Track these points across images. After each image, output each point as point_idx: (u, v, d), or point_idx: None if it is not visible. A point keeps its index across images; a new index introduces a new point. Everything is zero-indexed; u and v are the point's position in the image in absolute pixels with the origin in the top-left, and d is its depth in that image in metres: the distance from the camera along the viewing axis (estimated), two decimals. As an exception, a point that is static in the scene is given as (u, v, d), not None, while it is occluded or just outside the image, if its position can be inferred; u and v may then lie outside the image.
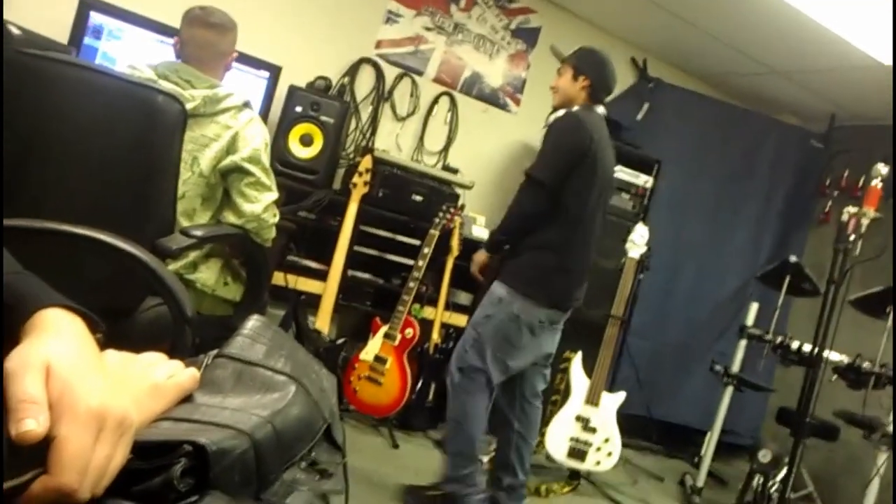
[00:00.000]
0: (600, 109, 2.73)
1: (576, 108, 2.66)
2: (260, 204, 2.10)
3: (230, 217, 2.12)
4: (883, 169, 2.75)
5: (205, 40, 2.12)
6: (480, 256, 2.84)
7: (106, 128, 1.66)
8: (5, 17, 2.57)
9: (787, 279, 3.64)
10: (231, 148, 2.06)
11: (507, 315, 2.59)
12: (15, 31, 2.45)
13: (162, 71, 2.03)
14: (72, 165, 1.66)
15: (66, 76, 1.63)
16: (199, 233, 1.84)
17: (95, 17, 3.08)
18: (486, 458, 3.44)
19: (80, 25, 3.06)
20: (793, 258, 3.65)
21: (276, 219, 2.19)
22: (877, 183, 2.76)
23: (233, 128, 2.06)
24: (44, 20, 3.00)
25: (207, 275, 2.11)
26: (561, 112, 2.67)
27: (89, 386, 0.52)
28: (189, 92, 2.00)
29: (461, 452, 2.68)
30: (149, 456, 0.54)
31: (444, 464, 2.74)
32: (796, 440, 2.78)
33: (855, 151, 4.59)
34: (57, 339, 0.55)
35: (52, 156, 1.65)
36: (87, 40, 3.08)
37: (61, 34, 3.04)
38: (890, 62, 3.72)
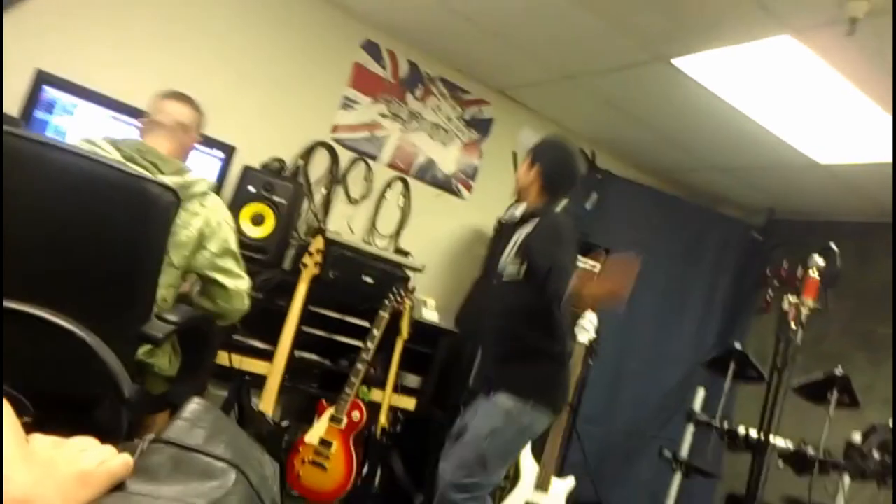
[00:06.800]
0: (562, 205, 2.68)
1: (542, 208, 2.61)
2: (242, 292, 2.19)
3: (205, 303, 2.17)
4: (819, 261, 2.87)
5: (168, 109, 2.18)
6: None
7: (97, 217, 1.67)
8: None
9: (732, 366, 3.70)
10: (201, 239, 2.06)
11: (517, 428, 2.50)
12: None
13: (128, 152, 2.01)
14: (60, 252, 1.65)
15: (59, 163, 1.63)
16: (175, 318, 1.82)
17: (49, 92, 3.07)
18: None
19: (33, 99, 3.05)
20: (737, 345, 3.72)
21: (247, 306, 2.24)
22: (814, 273, 2.86)
23: (200, 215, 2.06)
24: (-5, 93, 2.98)
25: (163, 358, 2.07)
26: (518, 211, 2.65)
27: (12, 474, 0.49)
28: (158, 178, 1.98)
29: None
30: (73, 549, 0.51)
31: None
32: (745, 529, 2.77)
33: (793, 244, 4.78)
34: None
35: (37, 241, 1.63)
36: (39, 114, 3.06)
37: (12, 106, 3.01)
38: (823, 161, 3.93)
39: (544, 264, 2.39)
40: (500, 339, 2.66)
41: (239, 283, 2.17)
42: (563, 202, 2.69)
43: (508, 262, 2.60)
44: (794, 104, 3.40)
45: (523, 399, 2.48)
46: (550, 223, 2.56)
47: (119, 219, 1.68)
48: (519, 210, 2.67)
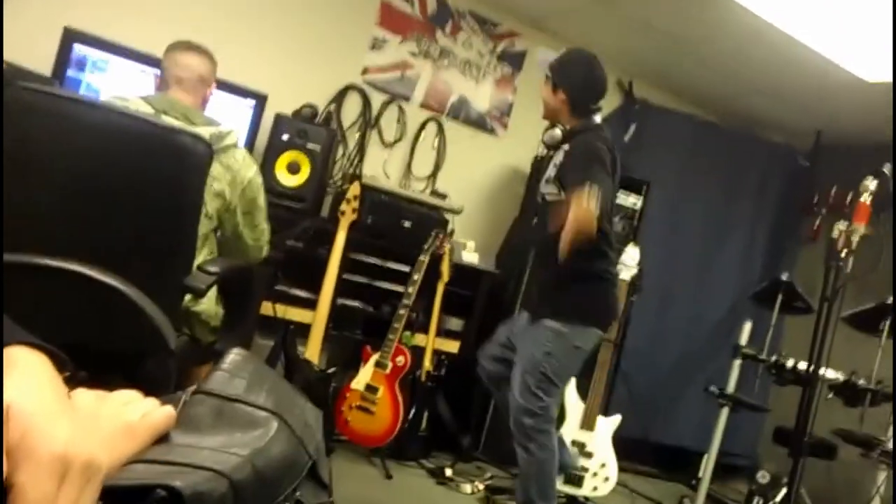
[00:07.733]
0: (597, 119, 2.64)
1: (578, 127, 2.60)
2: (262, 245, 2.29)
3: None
4: (871, 184, 2.75)
5: (186, 63, 2.16)
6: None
7: (137, 173, 1.69)
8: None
9: (780, 298, 3.63)
10: (234, 191, 2.10)
11: (567, 348, 2.57)
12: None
13: (160, 107, 2.02)
14: (101, 208, 1.67)
15: (91, 119, 1.65)
16: (216, 269, 1.85)
17: (79, 49, 3.06)
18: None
19: (63, 57, 3.04)
20: (784, 276, 3.64)
21: (264, 254, 2.34)
22: (866, 198, 2.75)
23: (232, 167, 2.09)
24: (26, 52, 2.98)
25: (209, 304, 2.11)
26: (557, 131, 2.64)
27: (52, 429, 0.48)
28: (192, 129, 1.99)
29: (546, 495, 2.62)
30: (120, 501, 0.51)
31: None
32: (795, 460, 2.75)
33: (841, 168, 4.62)
34: (19, 379, 0.52)
35: (78, 199, 1.66)
36: (71, 72, 3.06)
37: (44, 66, 3.02)
38: (871, 79, 3.75)
39: (579, 183, 2.37)
40: (543, 262, 2.71)
41: (262, 238, 2.27)
42: (598, 114, 2.65)
43: (549, 184, 2.65)
44: (838, 20, 3.22)
45: (567, 322, 2.56)
46: (583, 146, 2.55)
47: (156, 172, 1.69)
48: (559, 130, 2.66)
